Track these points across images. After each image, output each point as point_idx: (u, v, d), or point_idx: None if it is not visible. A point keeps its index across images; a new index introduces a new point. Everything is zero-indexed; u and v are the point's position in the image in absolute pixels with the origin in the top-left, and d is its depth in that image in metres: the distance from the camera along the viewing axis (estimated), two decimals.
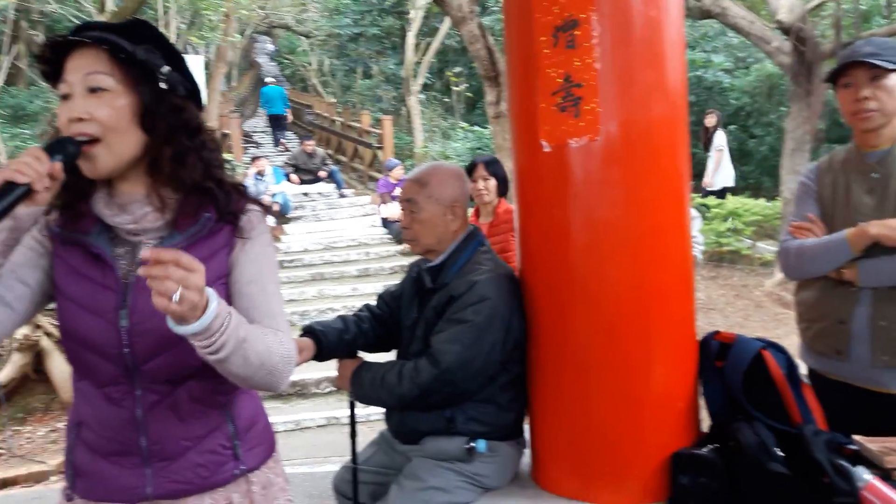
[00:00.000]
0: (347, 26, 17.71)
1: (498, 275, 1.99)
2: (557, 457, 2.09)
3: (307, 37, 22.22)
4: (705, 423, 2.09)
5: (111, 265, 1.27)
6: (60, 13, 11.50)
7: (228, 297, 1.30)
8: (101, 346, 1.26)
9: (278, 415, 5.18)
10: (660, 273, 1.95)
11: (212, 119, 15.22)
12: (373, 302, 2.30)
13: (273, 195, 10.05)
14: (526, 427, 2.17)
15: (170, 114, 1.27)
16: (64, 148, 1.18)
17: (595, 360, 1.96)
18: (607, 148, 1.89)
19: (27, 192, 1.12)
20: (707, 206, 8.89)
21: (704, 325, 2.18)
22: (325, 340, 2.07)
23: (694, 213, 2.78)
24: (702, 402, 2.08)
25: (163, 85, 1.25)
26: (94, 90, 1.21)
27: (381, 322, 2.23)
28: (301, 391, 5.57)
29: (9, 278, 1.25)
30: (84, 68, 1.22)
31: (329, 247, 9.09)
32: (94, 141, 1.21)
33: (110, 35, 1.23)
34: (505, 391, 2.03)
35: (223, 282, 1.31)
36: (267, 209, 1.40)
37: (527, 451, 2.19)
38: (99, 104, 1.21)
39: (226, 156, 11.12)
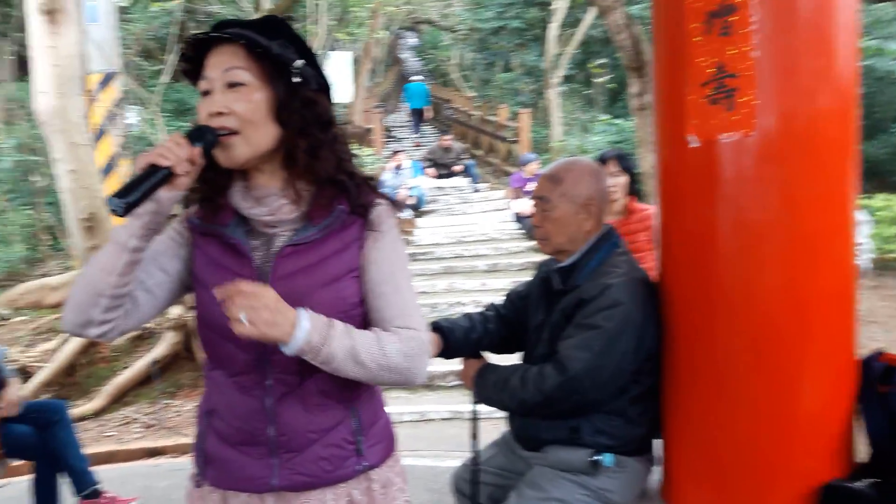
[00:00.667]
0: (490, 20, 17.72)
1: (632, 279, 1.87)
2: (692, 476, 1.93)
3: (450, 31, 22.51)
4: (861, 452, 1.86)
5: (247, 256, 1.30)
6: (223, 13, 12.31)
7: (361, 290, 1.32)
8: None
9: (404, 405, 5.26)
10: (817, 283, 1.74)
11: (357, 114, 15.81)
12: (501, 300, 2.24)
13: (410, 188, 10.25)
14: (656, 442, 2.03)
15: (303, 107, 1.28)
16: (203, 135, 1.23)
17: (739, 376, 1.78)
18: (763, 144, 1.71)
19: (168, 176, 1.17)
20: (873, 209, 8.10)
21: (864, 339, 1.95)
22: (451, 338, 2.04)
23: (862, 216, 2.49)
24: (858, 428, 1.85)
25: (296, 79, 1.27)
26: (232, 85, 1.25)
27: (507, 323, 2.16)
28: (427, 383, 5.63)
29: (150, 265, 1.31)
30: (223, 64, 1.25)
31: (460, 241, 9.15)
32: (231, 133, 1.25)
33: (247, 31, 1.26)
34: (635, 404, 1.90)
35: (355, 275, 1.31)
36: (395, 203, 1.39)
37: (655, 468, 2.06)
38: (237, 98, 1.24)
39: (367, 150, 11.55)
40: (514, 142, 12.62)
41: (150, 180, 1.16)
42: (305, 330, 1.17)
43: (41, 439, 3.13)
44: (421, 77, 19.59)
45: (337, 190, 1.32)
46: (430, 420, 5.12)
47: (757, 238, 1.74)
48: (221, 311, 1.22)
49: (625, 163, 3.57)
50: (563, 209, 1.92)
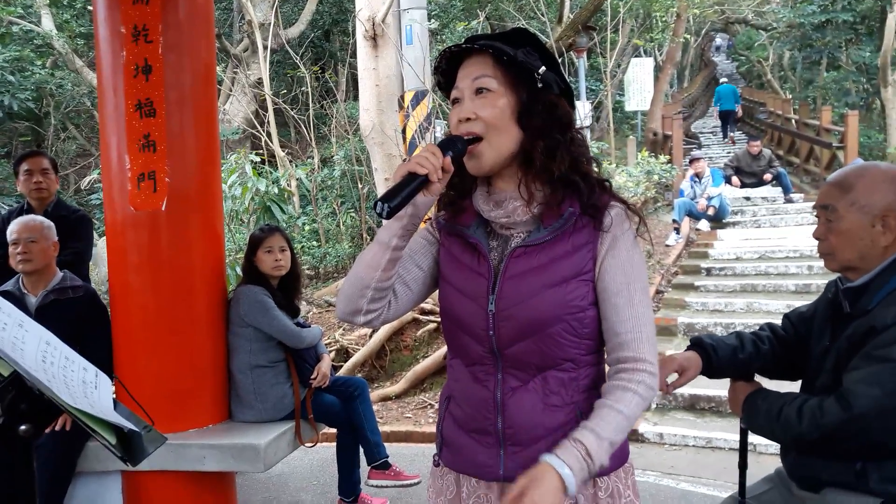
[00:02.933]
0: (813, 14, 15.97)
1: None
2: None
3: (766, 30, 20.80)
4: None
5: (485, 255, 1.38)
6: (527, 24, 12.90)
7: (591, 294, 1.34)
8: (472, 326, 1.38)
9: (689, 428, 4.99)
10: None
11: (654, 121, 15.40)
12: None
13: (709, 198, 9.66)
14: None
15: (544, 111, 1.34)
16: (454, 145, 1.33)
17: None
18: None
19: (425, 182, 1.29)
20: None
21: None
22: (714, 357, 1.90)
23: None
24: None
25: (539, 84, 1.33)
26: (479, 91, 1.34)
27: (785, 345, 1.95)
28: (716, 407, 5.28)
29: (407, 262, 1.46)
30: (472, 73, 1.35)
31: (765, 256, 8.37)
32: (478, 140, 1.33)
33: (495, 42, 1.34)
34: None
35: (584, 278, 1.34)
36: (632, 209, 1.38)
37: None
38: (483, 104, 1.33)
39: (663, 157, 11.16)
40: (840, 147, 11.22)
41: (409, 187, 1.28)
42: (571, 478, 1.22)
43: (344, 410, 3.58)
44: (727, 79, 18.75)
45: (569, 191, 1.34)
46: (716, 448, 4.80)
47: None
48: (460, 304, 1.30)
49: None
50: (851, 220, 1.68)
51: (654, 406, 5.37)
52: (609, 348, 1.37)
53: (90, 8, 4.17)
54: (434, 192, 1.31)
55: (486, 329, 1.35)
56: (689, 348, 1.95)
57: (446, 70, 1.42)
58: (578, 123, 1.43)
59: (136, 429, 1.20)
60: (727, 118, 17.94)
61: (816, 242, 1.79)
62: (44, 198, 3.89)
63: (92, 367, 1.28)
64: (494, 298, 1.35)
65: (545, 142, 1.33)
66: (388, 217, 1.28)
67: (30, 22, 13.52)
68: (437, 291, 1.48)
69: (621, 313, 1.31)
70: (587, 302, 1.33)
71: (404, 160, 1.36)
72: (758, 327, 2.05)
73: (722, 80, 19.19)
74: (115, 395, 1.30)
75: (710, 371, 1.91)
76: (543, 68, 1.34)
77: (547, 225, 1.34)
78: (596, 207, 1.34)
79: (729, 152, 15.18)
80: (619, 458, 1.41)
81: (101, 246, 8.85)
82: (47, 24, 13.36)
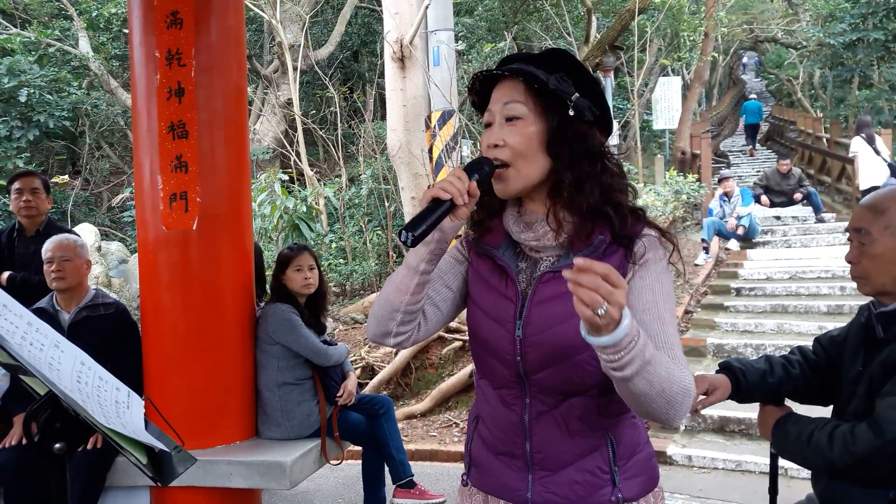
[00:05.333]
0: (843, 34, 15.79)
1: None
2: None
3: (795, 48, 20.64)
4: None
5: (513, 278, 1.37)
6: (554, 44, 12.94)
7: None
8: (499, 351, 1.37)
9: (718, 451, 4.91)
10: None
11: (682, 139, 15.31)
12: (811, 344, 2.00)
13: (739, 218, 9.55)
14: None
15: (574, 140, 1.32)
16: (480, 168, 1.33)
17: None
18: None
19: (450, 207, 1.28)
20: None
21: None
22: (742, 380, 1.88)
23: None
24: None
25: (571, 112, 1.31)
26: (509, 119, 1.33)
27: (816, 369, 1.92)
28: (746, 430, 5.18)
29: (437, 283, 1.46)
30: (503, 98, 1.35)
31: (796, 277, 8.24)
32: (504, 165, 1.33)
33: (528, 66, 1.33)
34: None
35: None
36: (664, 234, 1.35)
37: None
38: (512, 131, 1.32)
39: (691, 176, 11.07)
40: None
41: (434, 213, 1.27)
42: (625, 328, 1.08)
43: (370, 428, 3.59)
44: (755, 95, 20.08)
45: (599, 220, 1.32)
46: (747, 472, 4.71)
47: None
48: (488, 327, 1.29)
49: None
50: (885, 244, 1.65)
51: (683, 428, 5.29)
52: None
53: (126, 31, 4.28)
54: (461, 217, 1.31)
55: (513, 354, 1.34)
56: (717, 372, 1.93)
57: (480, 91, 1.42)
58: (607, 145, 1.40)
59: (167, 449, 1.22)
60: (752, 131, 19.99)
61: (849, 263, 1.77)
62: (33, 216, 3.92)
63: (124, 388, 1.31)
64: (521, 324, 1.33)
65: (573, 172, 1.31)
66: (413, 245, 1.27)
67: (68, 45, 13.89)
68: (465, 311, 1.48)
69: (650, 329, 1.27)
70: None
71: (429, 187, 1.34)
72: (788, 350, 2.02)
73: (751, 96, 19.52)
74: (145, 414, 1.32)
75: (740, 395, 1.89)
76: (577, 95, 1.31)
77: (577, 251, 1.32)
78: (628, 238, 1.32)
79: (758, 171, 15.02)
80: (649, 481, 1.39)
81: (132, 263, 9.00)
82: (84, 46, 13.71)
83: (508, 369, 1.36)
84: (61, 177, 13.39)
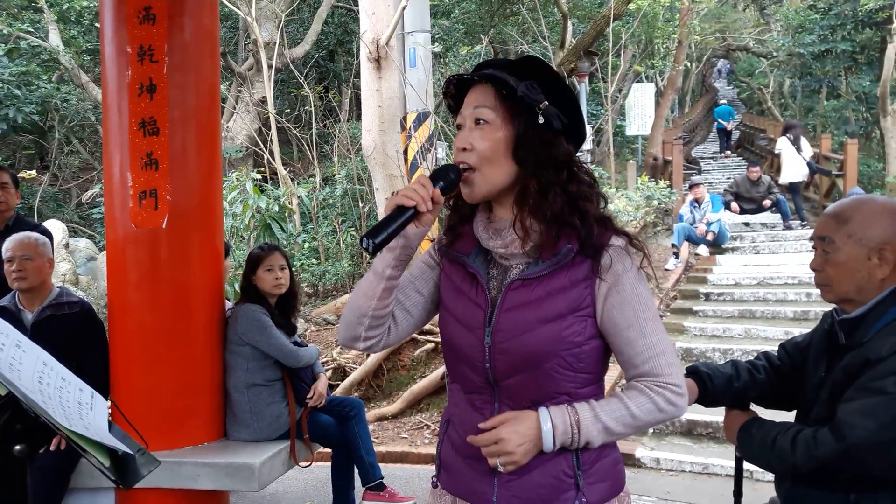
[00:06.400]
0: (812, 44, 16.10)
1: None
2: None
3: (766, 58, 21.02)
4: None
5: (483, 285, 1.38)
6: (530, 52, 13.00)
7: (590, 331, 1.33)
8: (469, 357, 1.38)
9: (686, 454, 4.97)
10: None
11: (655, 145, 15.48)
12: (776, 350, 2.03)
13: (708, 224, 9.68)
14: None
15: (539, 147, 1.33)
16: (446, 175, 1.34)
17: None
18: None
19: (414, 214, 1.29)
20: None
21: None
22: (710, 385, 1.90)
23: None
24: None
25: (540, 119, 1.31)
26: (478, 122, 1.34)
27: (780, 374, 1.95)
28: (713, 433, 5.25)
29: (408, 288, 1.47)
30: (474, 103, 1.36)
31: (764, 283, 8.38)
32: (471, 170, 1.34)
33: (500, 72, 1.34)
34: None
35: (580, 314, 1.32)
36: (632, 240, 1.36)
37: None
38: (480, 136, 1.33)
39: (663, 182, 11.20)
40: (839, 175, 11.30)
41: (397, 221, 1.28)
42: (550, 434, 1.28)
43: (340, 430, 3.57)
44: (726, 101, 20.88)
45: (566, 229, 1.32)
46: (713, 475, 4.78)
47: None
48: (458, 333, 1.30)
49: None
50: (848, 252, 1.68)
51: (651, 431, 5.34)
52: (629, 377, 1.37)
53: (98, 25, 4.21)
54: (426, 223, 1.32)
55: (483, 361, 1.35)
56: (685, 376, 1.95)
57: (456, 94, 1.42)
58: (581, 151, 1.42)
59: (130, 451, 1.20)
60: (724, 135, 20.86)
61: (813, 271, 1.80)
62: (2, 211, 3.81)
63: (88, 388, 1.28)
64: (491, 331, 1.34)
65: (538, 180, 1.32)
66: (374, 253, 1.28)
67: (37, 37, 13.62)
68: (437, 316, 1.48)
69: (636, 345, 1.31)
70: (584, 337, 1.32)
71: (393, 194, 1.35)
72: (755, 355, 2.05)
73: (721, 101, 20.08)
74: (110, 416, 1.30)
75: (706, 399, 1.91)
76: (546, 103, 1.32)
77: (545, 259, 1.33)
78: (595, 247, 1.32)
79: (728, 177, 15.25)
80: (615, 486, 1.40)
81: (101, 260, 8.86)
82: (54, 39, 13.45)
83: (478, 375, 1.37)
84: (29, 172, 13.08)
